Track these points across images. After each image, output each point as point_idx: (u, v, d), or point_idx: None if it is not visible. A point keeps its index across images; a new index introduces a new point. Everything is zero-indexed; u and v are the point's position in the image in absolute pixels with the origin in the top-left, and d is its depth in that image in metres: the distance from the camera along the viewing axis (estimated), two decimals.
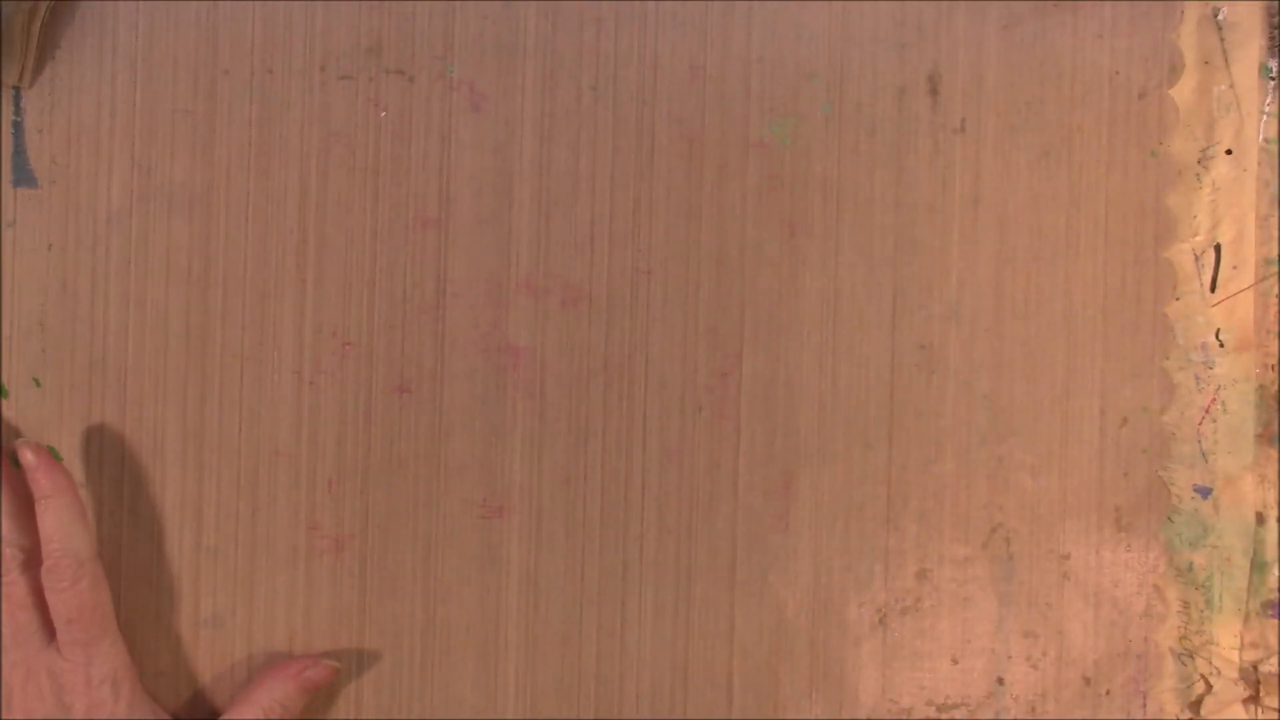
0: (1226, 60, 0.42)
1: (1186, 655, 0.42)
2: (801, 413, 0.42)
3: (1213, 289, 0.42)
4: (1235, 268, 0.42)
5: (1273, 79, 0.42)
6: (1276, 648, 0.41)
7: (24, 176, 0.42)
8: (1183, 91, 0.42)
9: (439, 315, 0.42)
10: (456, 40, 0.42)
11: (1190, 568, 0.42)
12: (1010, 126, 0.42)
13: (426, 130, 0.42)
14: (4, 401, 0.42)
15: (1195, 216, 0.42)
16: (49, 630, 0.39)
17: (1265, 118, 0.42)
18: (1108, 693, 0.42)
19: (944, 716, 0.42)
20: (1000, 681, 0.42)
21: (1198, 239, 0.42)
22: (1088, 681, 0.42)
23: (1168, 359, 0.42)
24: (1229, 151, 0.42)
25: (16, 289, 0.42)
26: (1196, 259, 0.42)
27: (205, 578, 0.42)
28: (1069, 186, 0.42)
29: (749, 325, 0.42)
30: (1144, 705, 0.42)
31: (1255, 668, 0.42)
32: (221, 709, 0.42)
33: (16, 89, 0.42)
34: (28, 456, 0.39)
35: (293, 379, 0.42)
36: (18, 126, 0.42)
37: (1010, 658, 0.42)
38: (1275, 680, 0.41)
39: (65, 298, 0.42)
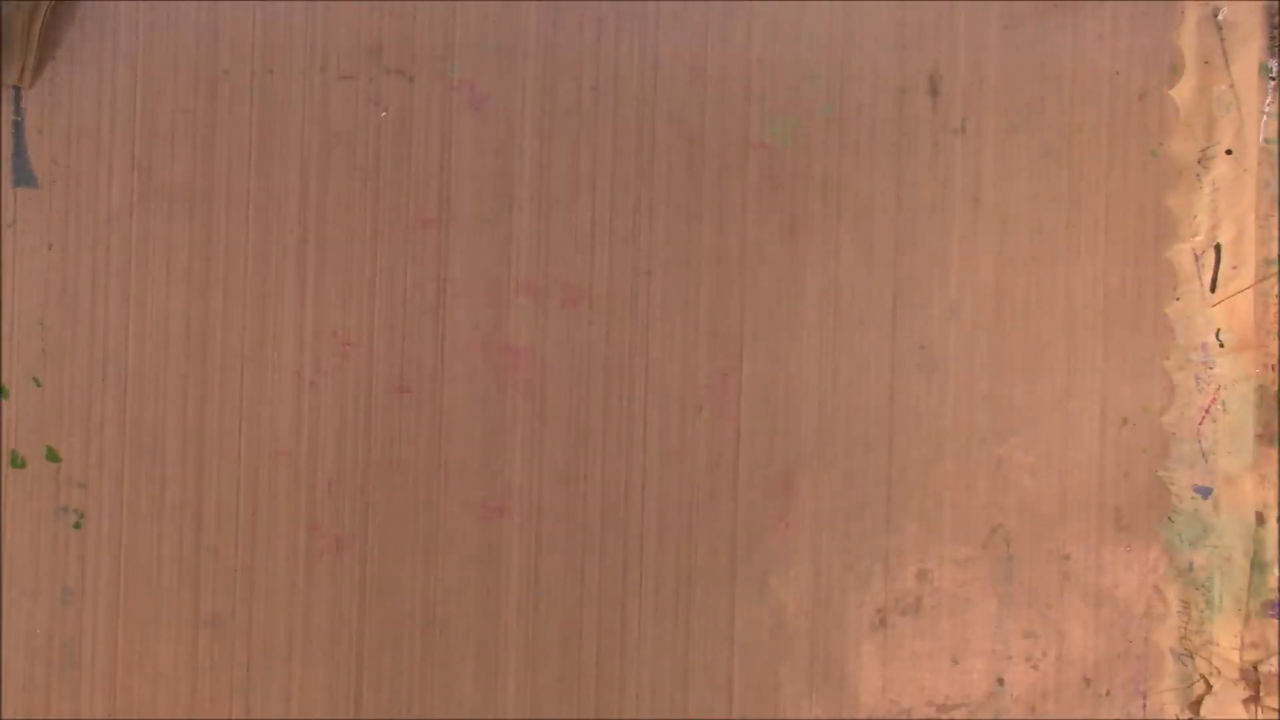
0: (1226, 60, 0.42)
1: (1186, 655, 0.42)
2: (801, 413, 0.42)
3: (1213, 289, 0.42)
4: (1235, 268, 0.42)
5: (1273, 79, 0.42)
6: (1277, 648, 0.41)
7: (24, 176, 0.42)
8: (1183, 91, 0.42)
9: (439, 315, 0.42)
10: (457, 40, 0.42)
11: (1190, 568, 0.42)
12: (1011, 127, 0.42)
13: (426, 130, 0.42)
14: (4, 401, 0.42)
15: (1195, 216, 0.42)
16: None
17: (1265, 118, 0.42)
18: (1108, 693, 0.42)
19: (944, 717, 0.42)
20: (1000, 682, 0.42)
21: (1198, 239, 0.42)
22: (1088, 682, 0.42)
23: (1168, 359, 0.42)
24: (1229, 151, 0.42)
25: (16, 289, 0.42)
26: (1196, 259, 0.42)
27: (205, 578, 0.42)
28: (1069, 187, 0.42)
29: (749, 325, 0.42)
30: (1144, 705, 0.42)
31: (1255, 668, 0.42)
32: (221, 709, 0.42)
33: (16, 89, 0.42)
34: None
35: (293, 379, 0.42)
36: (18, 126, 0.42)
37: (1010, 658, 0.42)
38: (1275, 680, 0.41)
39: (65, 298, 0.42)
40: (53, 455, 0.42)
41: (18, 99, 0.42)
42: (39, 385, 0.42)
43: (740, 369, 0.42)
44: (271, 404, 0.42)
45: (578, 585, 0.42)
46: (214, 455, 0.42)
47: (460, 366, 0.42)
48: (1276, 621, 0.41)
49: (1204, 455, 0.42)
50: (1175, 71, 0.42)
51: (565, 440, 0.42)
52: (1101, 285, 0.42)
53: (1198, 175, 0.42)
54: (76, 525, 0.42)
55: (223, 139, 0.42)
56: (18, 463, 0.42)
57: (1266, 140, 0.42)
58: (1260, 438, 0.42)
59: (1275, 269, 0.42)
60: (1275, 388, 0.42)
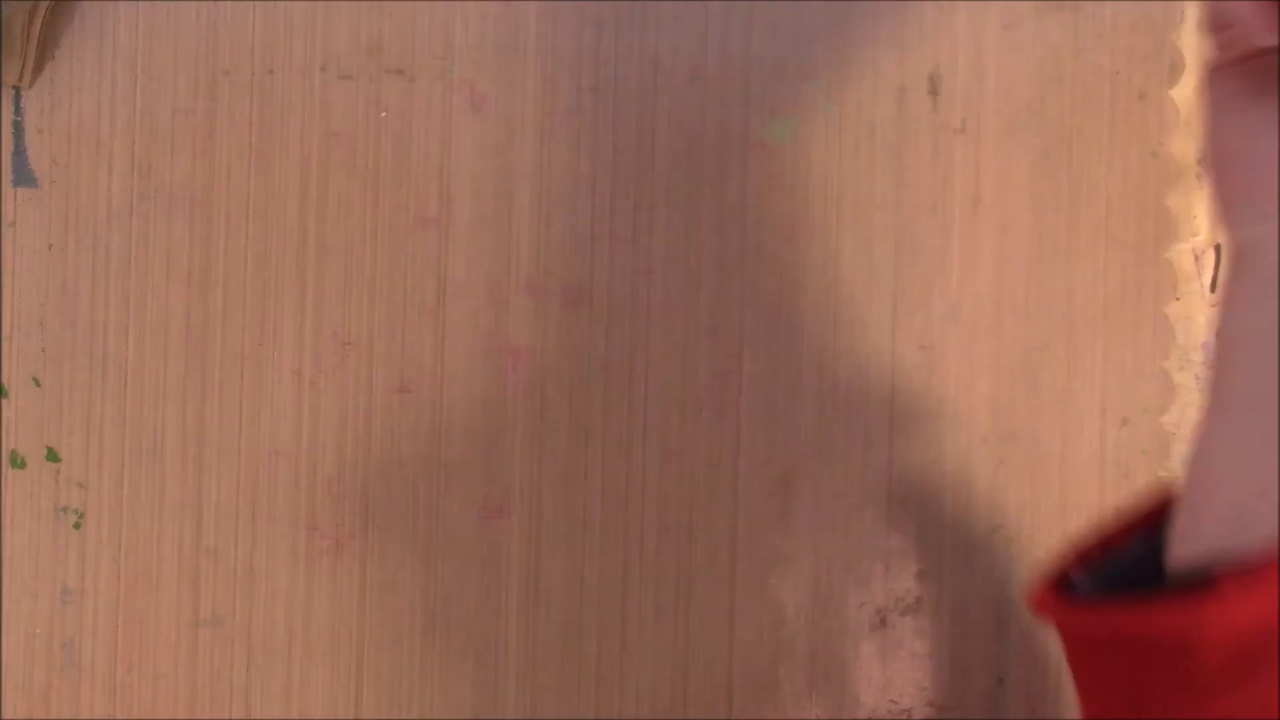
0: None
1: None
2: (801, 413, 0.42)
3: (1213, 289, 0.42)
4: None
5: None
6: None
7: (24, 176, 0.42)
8: (1183, 92, 0.42)
9: (439, 315, 0.42)
10: (457, 40, 0.42)
11: None
12: (1011, 127, 0.42)
13: (427, 130, 0.42)
14: (4, 401, 0.42)
15: (1195, 217, 0.42)
16: None
17: None
18: None
19: (944, 717, 0.42)
20: (1000, 682, 0.42)
21: (1198, 239, 0.42)
22: None
23: (1168, 359, 0.42)
24: None
25: (16, 289, 0.42)
26: (1196, 259, 0.42)
27: (205, 578, 0.42)
28: (1069, 187, 0.42)
29: (749, 325, 0.42)
30: None
31: None
32: (221, 709, 0.42)
33: (16, 89, 0.42)
34: None
35: (293, 379, 0.42)
36: (18, 126, 0.42)
37: (1010, 658, 0.42)
38: None
39: (65, 298, 0.42)
40: (53, 455, 0.42)
41: (18, 99, 0.42)
42: (39, 385, 0.42)
43: (740, 369, 0.42)
44: (271, 404, 0.42)
45: (578, 585, 0.42)
46: (214, 455, 0.42)
47: (460, 366, 0.42)
48: None
49: None
50: (1175, 71, 0.42)
51: (565, 440, 0.42)
52: (1101, 285, 0.42)
53: (1198, 175, 0.42)
54: (76, 525, 0.42)
55: (223, 139, 0.42)
56: (18, 463, 0.42)
57: None
58: None
59: None
60: None
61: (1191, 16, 0.42)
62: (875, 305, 0.42)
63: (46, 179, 0.42)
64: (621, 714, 0.41)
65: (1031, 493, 0.42)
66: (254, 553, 0.42)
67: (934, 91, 0.42)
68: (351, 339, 0.42)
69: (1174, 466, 0.42)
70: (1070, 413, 0.42)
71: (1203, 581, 0.25)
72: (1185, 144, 0.42)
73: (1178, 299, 0.42)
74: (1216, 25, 0.28)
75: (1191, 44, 0.42)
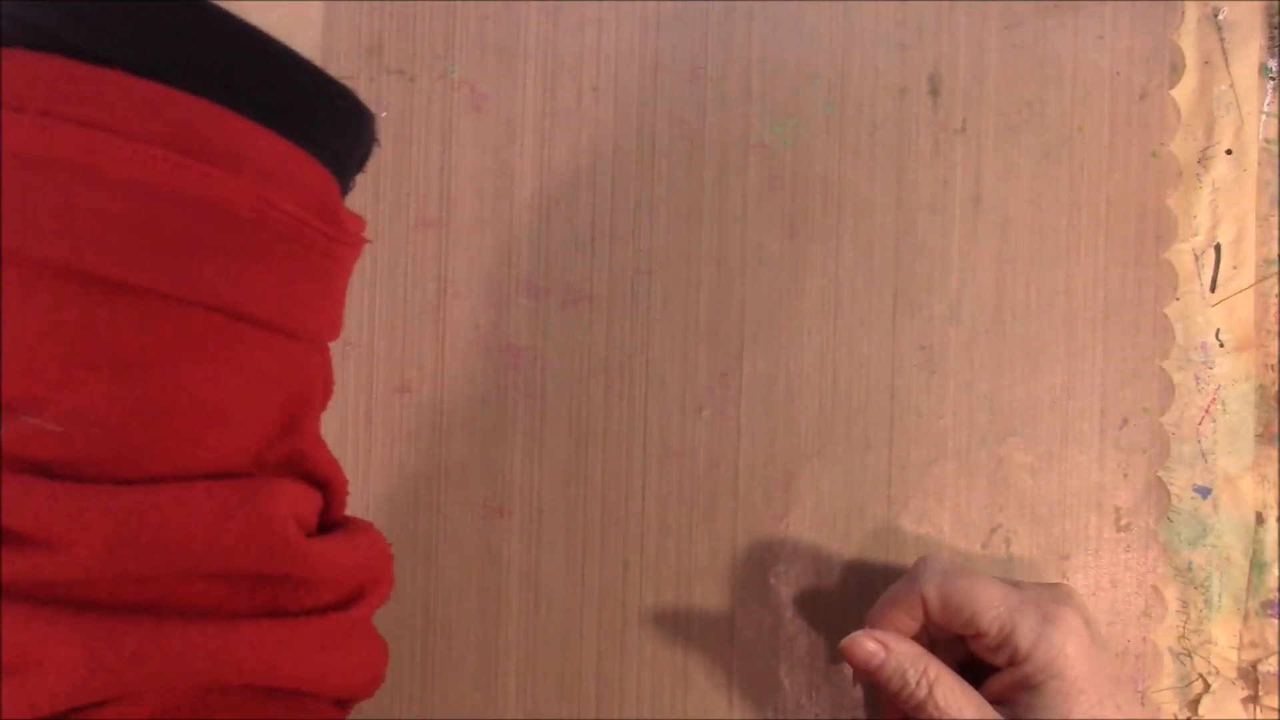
0: (1226, 60, 0.42)
1: (1185, 655, 0.42)
2: (801, 413, 0.42)
3: (1213, 289, 0.42)
4: (1235, 268, 0.42)
5: (1273, 79, 0.42)
6: (1275, 647, 0.41)
7: None
8: (1183, 92, 0.42)
9: (439, 315, 0.42)
10: (457, 40, 0.42)
11: (1189, 567, 0.42)
12: (1011, 127, 0.42)
13: (427, 130, 0.42)
14: None
15: (1195, 216, 0.42)
16: None
17: (1265, 118, 0.42)
18: None
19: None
20: None
21: (1198, 239, 0.42)
22: None
23: (1168, 359, 0.42)
24: (1229, 151, 0.42)
25: None
26: (1196, 259, 0.42)
27: None
28: (1070, 187, 0.42)
29: (749, 325, 0.42)
30: (1142, 704, 0.42)
31: (1254, 667, 0.42)
32: None
33: None
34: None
35: None
36: None
37: None
38: (1274, 680, 0.41)
39: None
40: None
41: None
42: None
43: (740, 369, 0.42)
44: None
45: (578, 585, 0.42)
46: None
47: (460, 366, 0.42)
48: (1275, 621, 0.42)
49: (1204, 455, 0.42)
50: (1175, 71, 0.42)
51: (565, 440, 0.42)
52: (1101, 285, 0.42)
53: (1198, 175, 0.42)
54: None
55: None
56: None
57: (1266, 140, 0.42)
58: (1260, 438, 0.42)
59: (1275, 269, 0.42)
60: (1275, 388, 0.42)
61: (1192, 17, 0.42)
62: (875, 305, 0.42)
63: None
64: (622, 714, 0.41)
65: (1031, 493, 0.42)
66: None
67: (934, 91, 0.42)
68: (351, 339, 0.42)
69: (1173, 466, 0.42)
70: (1070, 413, 0.42)
71: None
72: (1186, 144, 0.42)
73: (1178, 299, 0.42)
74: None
75: (1192, 44, 0.42)
